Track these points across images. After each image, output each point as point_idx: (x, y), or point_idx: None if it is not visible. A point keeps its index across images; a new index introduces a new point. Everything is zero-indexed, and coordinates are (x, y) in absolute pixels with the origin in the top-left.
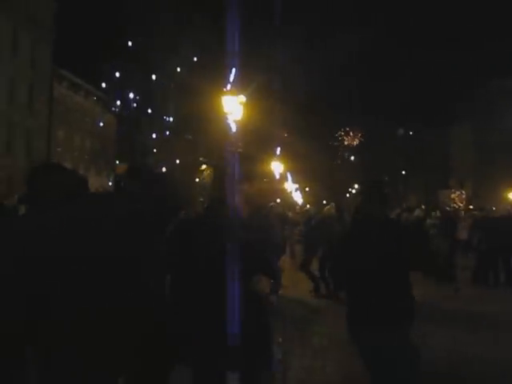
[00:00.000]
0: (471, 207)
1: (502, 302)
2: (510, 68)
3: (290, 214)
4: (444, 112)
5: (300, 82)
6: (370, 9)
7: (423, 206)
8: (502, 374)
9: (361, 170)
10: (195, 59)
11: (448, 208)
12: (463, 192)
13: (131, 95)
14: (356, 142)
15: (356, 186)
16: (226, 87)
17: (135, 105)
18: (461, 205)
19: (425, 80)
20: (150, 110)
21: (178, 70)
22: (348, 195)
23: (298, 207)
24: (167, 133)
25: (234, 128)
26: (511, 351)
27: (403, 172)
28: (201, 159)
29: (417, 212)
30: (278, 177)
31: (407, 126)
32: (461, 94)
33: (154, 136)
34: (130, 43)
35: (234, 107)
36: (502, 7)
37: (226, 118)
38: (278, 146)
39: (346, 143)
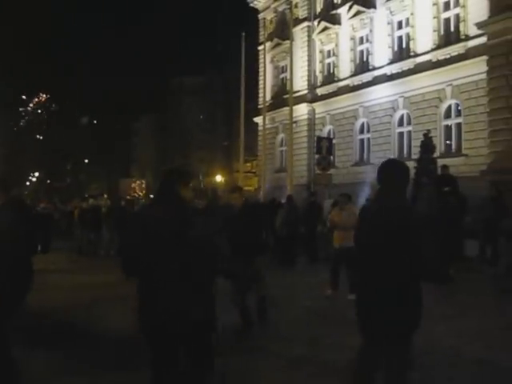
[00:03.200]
0: (152, 196)
1: None
2: (189, 68)
3: None
4: (130, 104)
5: None
6: None
7: (105, 195)
8: None
9: (46, 157)
10: None
11: (128, 197)
12: (143, 181)
13: None
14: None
15: (37, 174)
16: None
17: None
18: (141, 194)
19: (112, 73)
20: None
21: None
22: (28, 183)
23: None
24: None
25: None
26: None
27: (86, 160)
28: None
29: (90, 201)
30: None
31: (92, 115)
32: (146, 89)
33: None
34: None
35: None
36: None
37: None
38: None
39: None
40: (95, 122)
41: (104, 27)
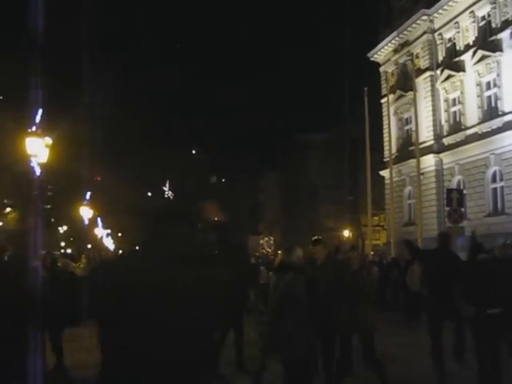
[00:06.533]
0: (280, 252)
1: None
2: (311, 125)
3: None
4: (255, 162)
5: (115, 122)
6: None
7: None
8: None
9: None
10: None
11: (257, 253)
12: (271, 238)
13: None
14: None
15: None
16: (30, 128)
17: None
18: (269, 250)
19: (237, 130)
20: None
21: None
22: None
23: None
24: None
25: (38, 171)
26: None
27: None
28: (5, 201)
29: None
30: (86, 222)
31: (220, 174)
32: (270, 146)
33: None
34: None
35: (39, 149)
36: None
37: (30, 161)
38: (89, 190)
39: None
40: (223, 180)
41: (229, 88)
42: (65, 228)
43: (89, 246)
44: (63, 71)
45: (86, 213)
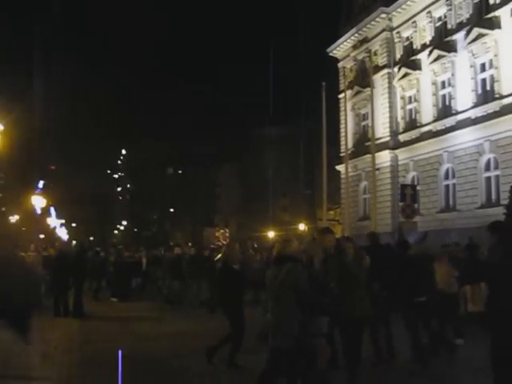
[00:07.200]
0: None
1: None
2: (268, 119)
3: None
4: (213, 155)
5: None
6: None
7: (190, 244)
8: None
9: (134, 207)
10: None
11: (212, 245)
12: (227, 230)
13: None
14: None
15: (125, 222)
16: None
17: None
18: (224, 242)
19: (198, 126)
20: None
21: None
22: (116, 232)
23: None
24: None
25: None
26: None
27: (171, 210)
28: None
29: (176, 250)
30: (39, 211)
31: (177, 165)
32: (227, 140)
33: None
34: None
35: None
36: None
37: None
38: (41, 178)
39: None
40: (180, 172)
41: (188, 80)
42: (16, 217)
43: (41, 236)
44: (17, 58)
45: (38, 202)
